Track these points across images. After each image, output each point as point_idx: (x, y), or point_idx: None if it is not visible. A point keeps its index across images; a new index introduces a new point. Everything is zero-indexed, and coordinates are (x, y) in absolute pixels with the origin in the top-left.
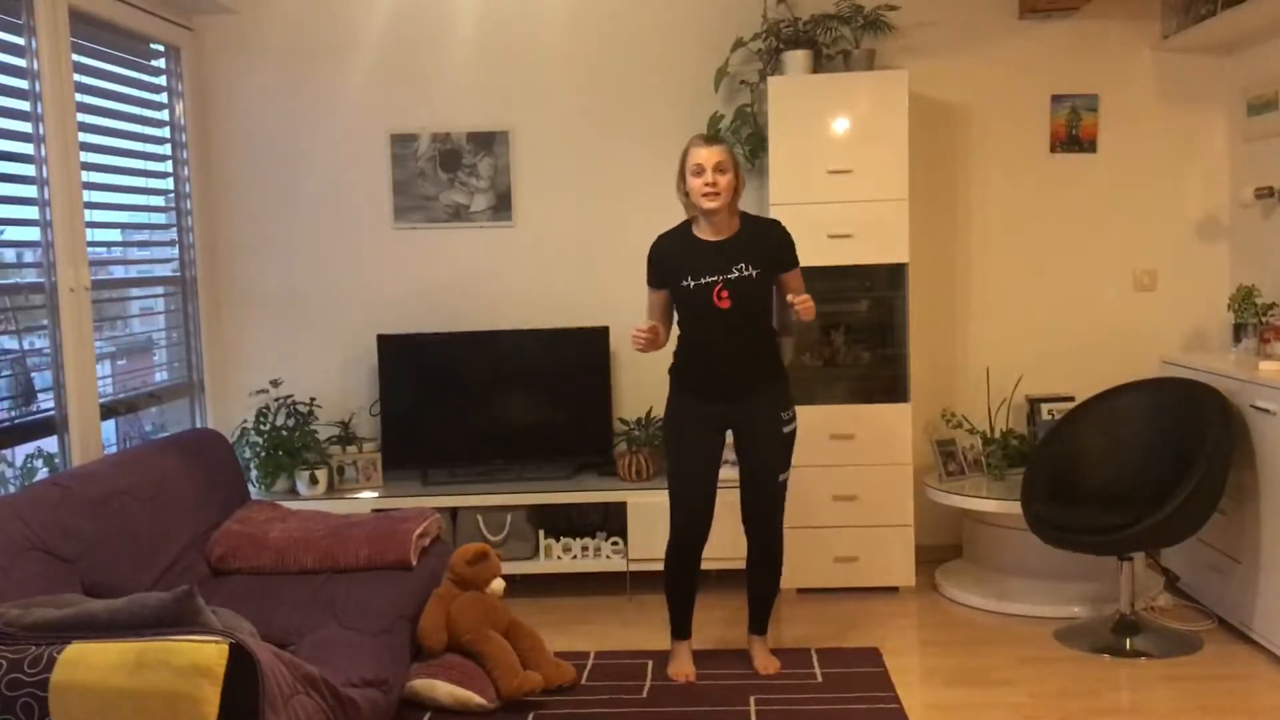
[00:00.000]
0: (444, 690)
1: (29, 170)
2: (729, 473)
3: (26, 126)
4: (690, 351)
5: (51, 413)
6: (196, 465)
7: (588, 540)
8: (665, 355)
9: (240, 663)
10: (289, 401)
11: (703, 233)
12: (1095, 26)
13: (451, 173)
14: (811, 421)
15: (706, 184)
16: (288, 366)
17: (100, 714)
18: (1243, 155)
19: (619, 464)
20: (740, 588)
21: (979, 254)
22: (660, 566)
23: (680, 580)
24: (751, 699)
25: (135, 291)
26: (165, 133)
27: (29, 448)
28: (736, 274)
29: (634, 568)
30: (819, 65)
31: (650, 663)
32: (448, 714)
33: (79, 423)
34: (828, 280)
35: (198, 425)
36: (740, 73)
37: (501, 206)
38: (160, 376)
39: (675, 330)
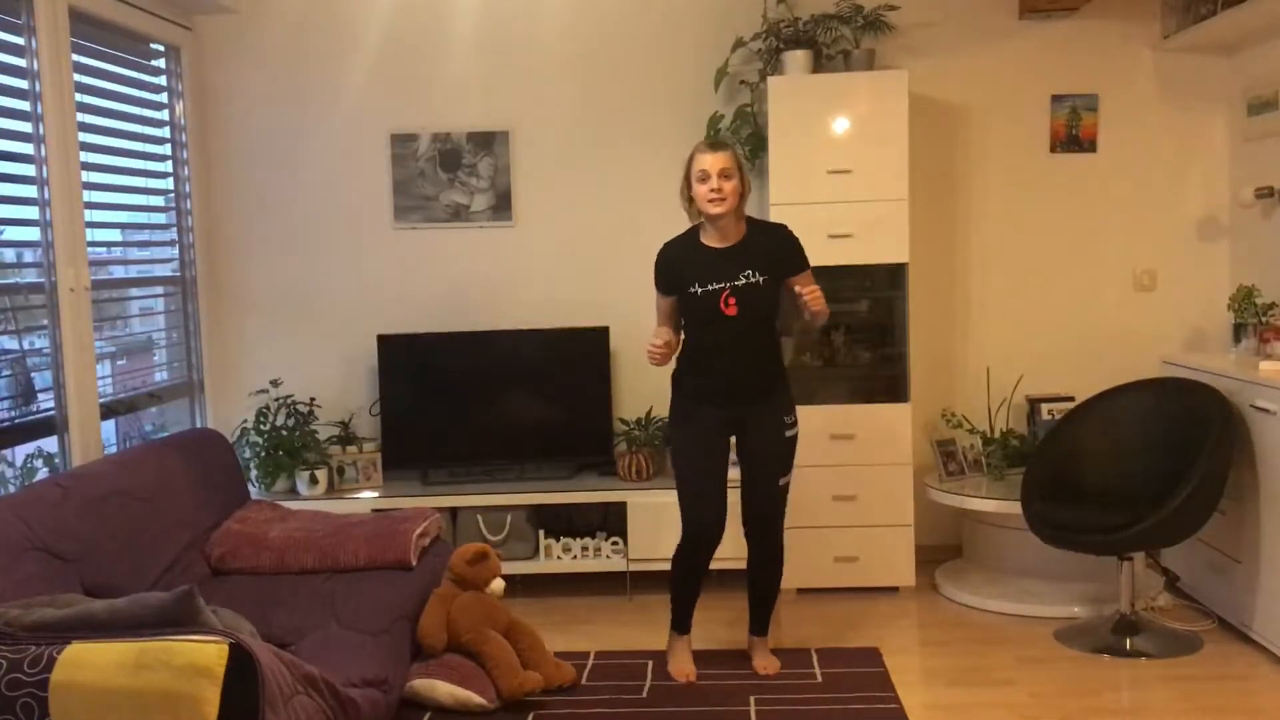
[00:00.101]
0: (444, 690)
1: (29, 170)
2: (730, 474)
3: (26, 126)
4: (696, 357)
5: (51, 413)
6: (196, 465)
7: (588, 540)
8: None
9: (240, 663)
10: (289, 401)
11: (710, 239)
12: (1095, 26)
13: (451, 173)
14: (812, 421)
15: (712, 190)
16: (288, 366)
17: (100, 714)
18: (1243, 155)
19: (619, 464)
20: (741, 588)
21: (979, 254)
22: (660, 566)
23: (691, 578)
24: (751, 699)
25: (135, 291)
26: (165, 133)
27: (29, 448)
28: (744, 281)
29: (634, 568)
30: (819, 65)
31: (650, 663)
32: (448, 714)
33: (79, 423)
34: (828, 280)
35: (198, 425)
36: (740, 73)
37: (501, 206)
38: (160, 376)
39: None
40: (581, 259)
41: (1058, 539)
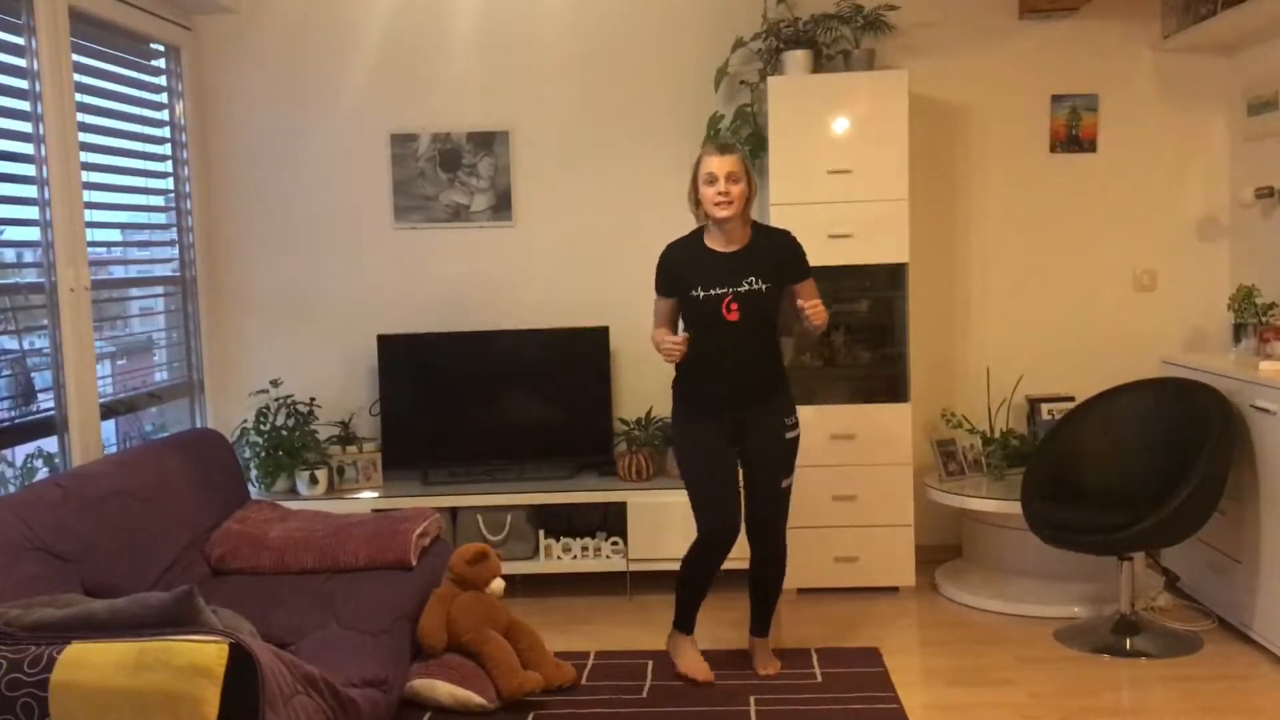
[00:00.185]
0: (444, 690)
1: (29, 170)
2: None
3: (26, 126)
4: (696, 361)
5: (51, 413)
6: (196, 465)
7: (588, 540)
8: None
9: (240, 663)
10: (289, 401)
11: (714, 242)
12: (1095, 26)
13: (451, 173)
14: (812, 421)
15: (719, 193)
16: (288, 366)
17: (100, 714)
18: (1243, 155)
19: (619, 464)
20: (741, 588)
21: (979, 254)
22: (659, 566)
23: (702, 579)
24: (751, 699)
25: (135, 291)
26: (165, 133)
27: (29, 448)
28: (746, 287)
29: (634, 568)
30: (819, 65)
31: (650, 663)
32: (448, 714)
33: (79, 423)
34: (828, 280)
35: (198, 425)
36: (740, 73)
37: (501, 206)
38: (160, 376)
39: None
40: (581, 259)
41: (1058, 539)
